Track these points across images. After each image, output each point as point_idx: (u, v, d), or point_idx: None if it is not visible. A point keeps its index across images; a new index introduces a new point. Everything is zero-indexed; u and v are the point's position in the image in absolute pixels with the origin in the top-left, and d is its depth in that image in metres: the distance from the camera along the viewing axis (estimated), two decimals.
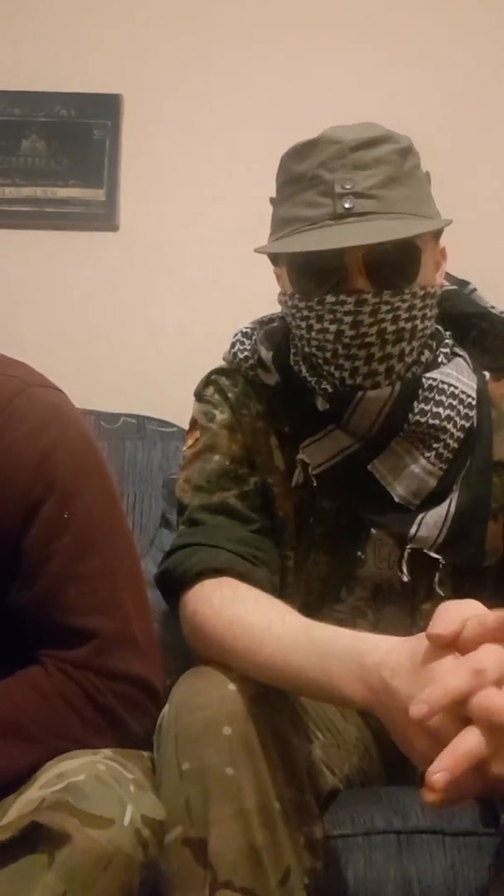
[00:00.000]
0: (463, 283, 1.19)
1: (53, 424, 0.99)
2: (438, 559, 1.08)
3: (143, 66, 2.03)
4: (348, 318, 1.01)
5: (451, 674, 0.73)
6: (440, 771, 0.70)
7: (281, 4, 2.05)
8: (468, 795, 0.75)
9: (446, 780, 0.70)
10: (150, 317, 1.98)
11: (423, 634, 0.79)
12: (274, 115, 1.99)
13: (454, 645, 0.76)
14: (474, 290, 1.19)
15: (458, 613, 0.77)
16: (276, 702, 0.92)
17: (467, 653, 0.75)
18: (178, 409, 1.74)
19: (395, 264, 1.02)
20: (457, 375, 1.09)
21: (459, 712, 0.73)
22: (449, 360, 1.11)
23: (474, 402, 1.09)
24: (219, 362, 1.22)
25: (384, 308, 1.01)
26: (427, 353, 1.09)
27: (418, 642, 0.79)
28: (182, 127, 2.02)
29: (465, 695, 0.72)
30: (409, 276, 1.03)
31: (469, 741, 0.71)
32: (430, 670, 0.76)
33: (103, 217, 2.00)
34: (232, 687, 0.90)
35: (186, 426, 1.72)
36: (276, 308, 1.21)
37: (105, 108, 2.02)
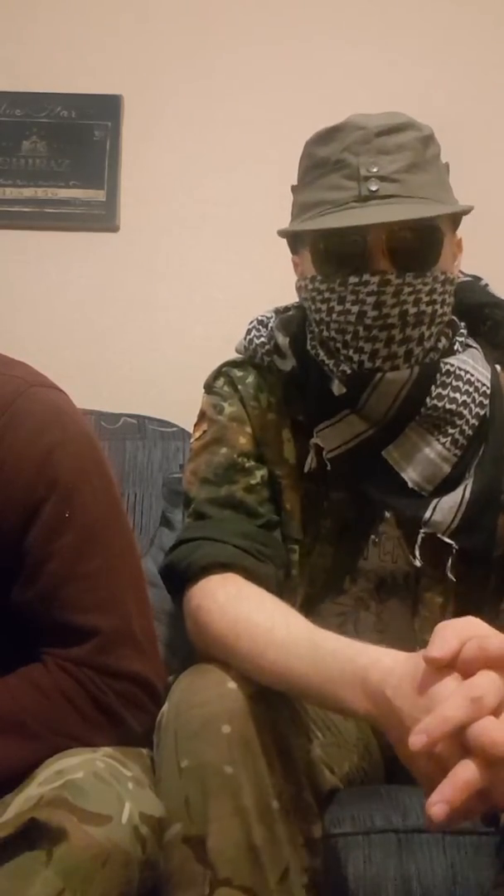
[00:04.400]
0: (476, 278, 1.20)
1: (55, 424, 0.99)
2: (451, 545, 1.08)
3: (143, 67, 2.03)
4: (371, 299, 1.02)
5: (450, 702, 0.72)
6: (438, 803, 0.70)
7: (281, 5, 2.05)
8: (471, 818, 0.75)
9: (445, 813, 0.70)
10: (150, 317, 1.98)
11: (419, 655, 0.78)
12: (274, 115, 2.00)
13: (452, 666, 0.75)
14: (486, 284, 1.20)
15: (456, 634, 0.76)
16: (275, 700, 0.92)
17: (466, 674, 0.75)
18: (179, 409, 1.75)
19: (418, 247, 1.04)
20: (472, 363, 1.10)
21: (460, 739, 0.72)
22: (464, 350, 1.12)
23: (489, 391, 1.10)
24: (219, 362, 1.22)
25: (406, 290, 1.02)
26: (444, 340, 1.10)
27: (418, 663, 0.78)
28: (182, 128, 2.03)
29: (464, 724, 0.71)
30: (430, 260, 1.04)
31: (468, 772, 0.71)
32: (429, 694, 0.75)
33: (104, 218, 2.00)
34: (231, 685, 0.90)
35: (187, 426, 1.74)
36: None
37: (105, 109, 2.02)
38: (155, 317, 1.98)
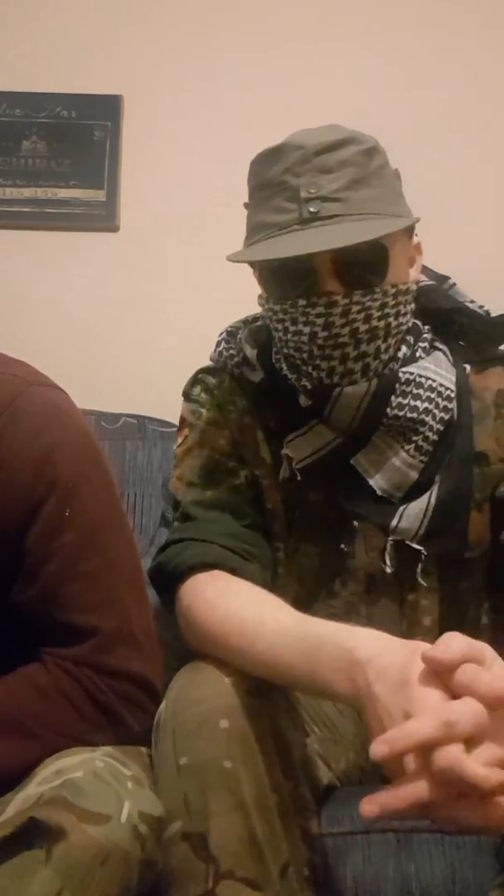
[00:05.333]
0: (442, 279, 1.19)
1: (55, 423, 0.99)
2: (420, 551, 1.09)
3: (143, 67, 2.03)
4: (320, 321, 1.03)
5: (422, 720, 0.71)
6: (371, 804, 0.71)
7: (281, 6, 2.05)
8: (405, 818, 0.77)
9: (374, 815, 0.70)
10: (150, 317, 1.98)
11: (417, 646, 0.78)
12: (274, 115, 1.99)
13: (445, 677, 0.74)
14: (454, 285, 1.19)
15: (462, 647, 0.75)
16: (272, 696, 0.92)
17: (453, 693, 0.73)
18: (179, 409, 1.74)
19: (364, 264, 1.03)
20: (434, 369, 1.10)
21: (423, 752, 0.72)
22: (428, 354, 1.11)
23: (453, 395, 1.10)
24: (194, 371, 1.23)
25: (355, 308, 1.02)
26: (404, 348, 1.10)
27: (411, 656, 0.77)
28: (182, 128, 2.03)
29: (430, 744, 0.70)
30: (378, 275, 1.04)
31: (416, 790, 0.71)
32: (410, 694, 0.74)
33: (104, 218, 2.01)
34: (228, 681, 0.90)
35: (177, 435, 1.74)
36: None
37: (105, 109, 2.03)
38: (155, 317, 1.98)
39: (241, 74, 2.03)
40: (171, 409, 1.75)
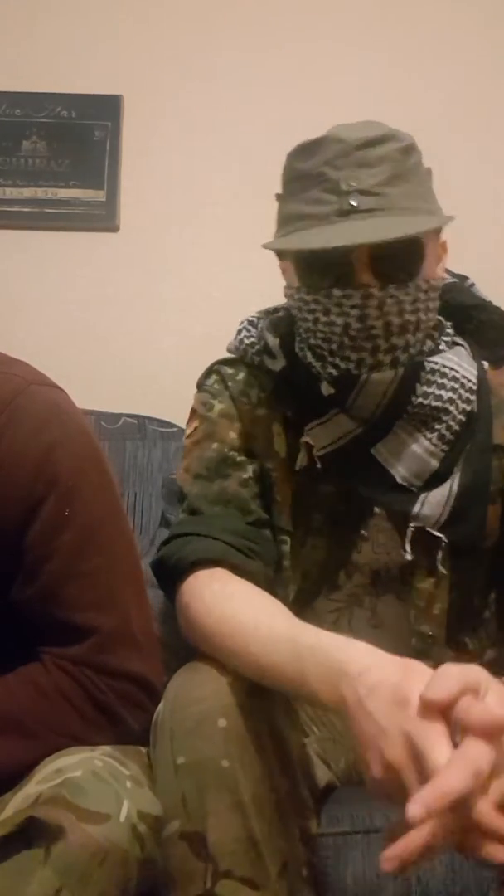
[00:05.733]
0: (462, 278, 1.22)
1: (54, 423, 0.99)
2: (441, 538, 1.09)
3: (143, 67, 2.03)
4: (355, 312, 1.04)
5: (451, 775, 0.70)
6: (392, 860, 0.69)
7: (281, 5, 2.05)
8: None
9: (396, 868, 0.70)
10: (150, 317, 1.98)
11: (407, 663, 0.78)
12: (274, 115, 2.00)
13: (444, 712, 0.73)
14: (472, 284, 1.21)
15: (459, 680, 0.74)
16: (270, 695, 0.92)
17: (451, 722, 0.73)
18: (179, 409, 1.73)
19: (400, 259, 1.04)
20: (457, 361, 1.11)
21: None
22: (450, 348, 1.13)
23: (475, 387, 1.11)
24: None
25: (389, 301, 1.04)
26: (429, 342, 1.11)
27: (404, 673, 0.77)
28: (182, 128, 2.03)
29: (464, 797, 0.69)
30: (413, 271, 1.05)
31: (430, 835, 0.70)
32: (411, 719, 0.74)
33: (104, 218, 2.01)
34: (226, 681, 0.91)
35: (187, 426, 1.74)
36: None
37: (105, 109, 2.03)
38: (155, 317, 1.98)
39: (241, 74, 2.03)
40: (171, 409, 1.76)
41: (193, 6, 2.05)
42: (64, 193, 2.01)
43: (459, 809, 0.69)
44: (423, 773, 0.71)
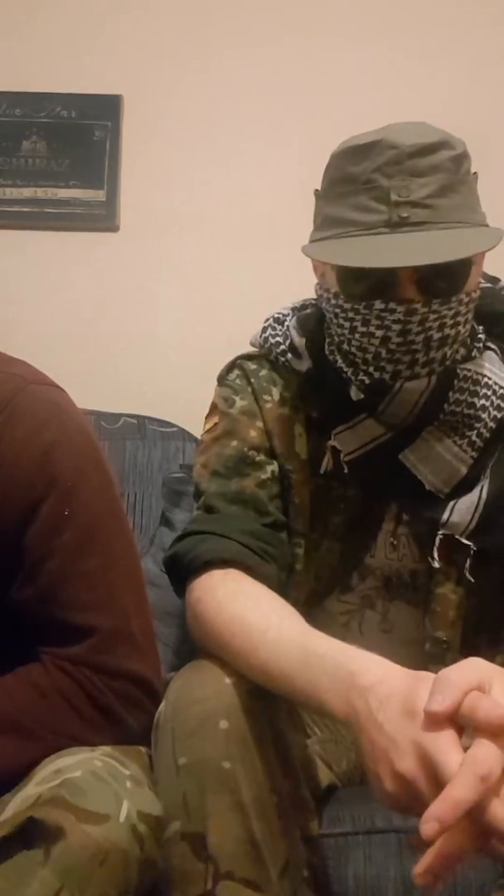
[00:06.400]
0: (494, 280, 1.19)
1: (54, 422, 0.99)
2: (469, 546, 1.08)
3: (143, 66, 2.03)
4: (397, 326, 1.02)
5: (459, 785, 0.69)
6: (426, 875, 0.70)
7: (281, 5, 2.05)
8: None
9: (432, 882, 0.70)
10: (150, 317, 1.98)
11: (418, 675, 0.77)
12: (274, 115, 2.00)
13: (451, 718, 0.73)
14: (503, 287, 1.19)
15: (459, 685, 0.74)
16: (272, 696, 0.91)
17: (463, 728, 0.73)
18: (179, 409, 1.75)
19: (447, 276, 1.02)
20: (490, 367, 1.10)
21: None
22: (482, 354, 1.11)
23: None
24: (219, 362, 1.22)
25: (432, 317, 1.02)
26: (463, 349, 1.10)
27: (415, 684, 0.76)
28: (182, 127, 2.02)
29: (475, 805, 0.69)
30: (458, 286, 1.03)
31: (456, 845, 0.70)
32: (420, 729, 0.73)
33: (104, 217, 2.00)
34: (228, 681, 0.90)
35: (187, 426, 1.74)
36: (276, 308, 1.22)
37: (105, 109, 2.02)
38: (155, 317, 1.98)
39: (241, 74, 2.03)
40: (171, 409, 1.76)
41: (193, 7, 2.04)
42: (64, 193, 2.01)
43: (475, 815, 0.69)
44: (437, 783, 0.71)
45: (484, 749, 0.71)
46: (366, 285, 1.03)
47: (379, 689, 0.78)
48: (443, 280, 1.02)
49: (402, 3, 2.06)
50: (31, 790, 0.82)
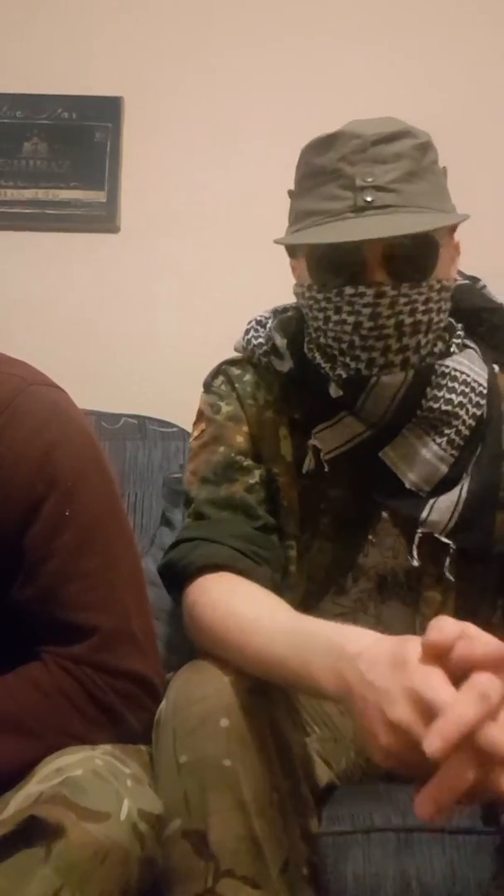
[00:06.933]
0: (473, 280, 1.20)
1: (55, 422, 0.99)
2: (449, 544, 1.09)
3: (143, 68, 2.03)
4: (367, 310, 1.02)
5: (461, 702, 0.69)
6: (427, 804, 0.70)
7: (281, 5, 2.05)
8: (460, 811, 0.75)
9: (433, 814, 0.70)
10: (150, 317, 1.98)
11: (406, 638, 0.78)
12: (274, 116, 2.00)
13: (443, 659, 0.73)
14: (484, 286, 1.20)
15: (455, 626, 0.75)
16: (272, 694, 0.92)
17: (452, 672, 0.73)
18: (179, 409, 1.74)
19: (414, 257, 1.03)
20: (469, 364, 1.10)
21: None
22: (461, 351, 1.12)
23: (485, 391, 1.10)
24: (219, 362, 1.22)
25: (402, 300, 1.02)
26: (440, 344, 1.10)
27: (401, 643, 0.77)
28: (183, 129, 2.03)
29: (477, 724, 0.69)
30: (426, 270, 1.04)
31: (461, 775, 0.70)
32: (412, 674, 0.73)
33: (104, 219, 2.01)
34: (228, 680, 0.91)
35: (187, 426, 1.73)
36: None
37: (106, 111, 2.03)
38: (155, 317, 1.98)
39: (241, 75, 2.03)
40: (171, 409, 1.76)
41: (193, 8, 2.05)
42: (65, 195, 2.01)
43: (476, 741, 0.69)
44: (432, 720, 0.71)
45: (484, 676, 0.71)
46: (335, 271, 1.04)
47: (367, 654, 0.78)
48: (410, 263, 1.03)
49: (402, 3, 2.07)
50: (32, 788, 0.82)
